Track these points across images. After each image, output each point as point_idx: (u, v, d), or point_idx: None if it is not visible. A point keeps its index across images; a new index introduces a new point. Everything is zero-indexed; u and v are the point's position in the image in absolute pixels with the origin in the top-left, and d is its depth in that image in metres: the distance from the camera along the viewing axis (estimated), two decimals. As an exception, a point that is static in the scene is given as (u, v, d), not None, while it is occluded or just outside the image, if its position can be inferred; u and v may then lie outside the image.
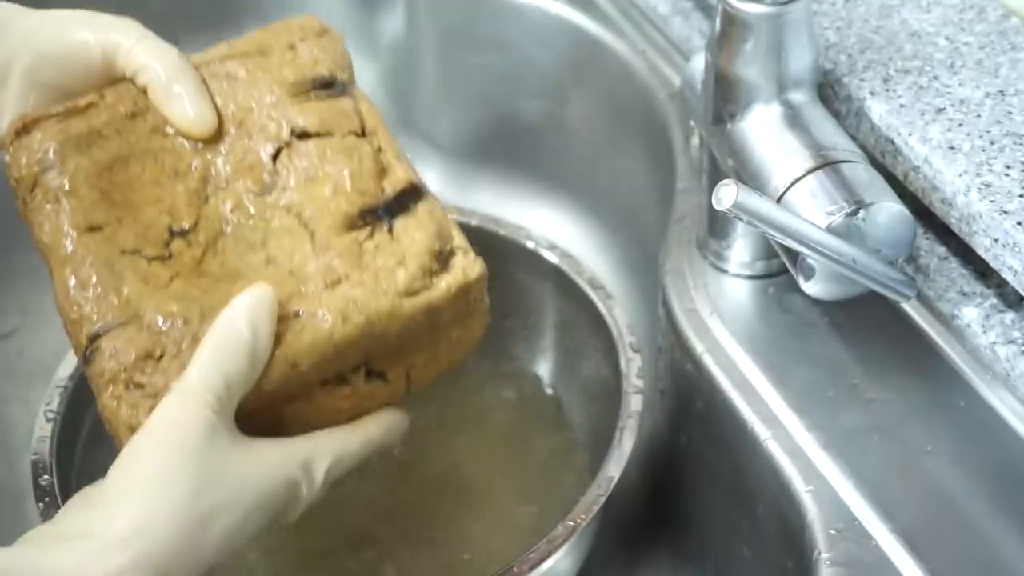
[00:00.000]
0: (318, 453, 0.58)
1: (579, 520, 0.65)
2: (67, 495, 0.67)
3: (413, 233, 0.60)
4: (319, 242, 0.59)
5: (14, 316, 0.93)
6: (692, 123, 0.78)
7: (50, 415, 0.71)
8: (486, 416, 0.83)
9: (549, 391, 0.84)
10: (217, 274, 0.59)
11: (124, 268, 0.58)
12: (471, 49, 0.99)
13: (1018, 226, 0.57)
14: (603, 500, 0.65)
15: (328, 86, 0.63)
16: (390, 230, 0.60)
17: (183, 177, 0.61)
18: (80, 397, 0.72)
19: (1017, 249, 0.57)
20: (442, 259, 0.60)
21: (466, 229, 0.81)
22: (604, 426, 0.73)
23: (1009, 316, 0.61)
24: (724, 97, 0.65)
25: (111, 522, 0.51)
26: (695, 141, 0.79)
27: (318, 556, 0.75)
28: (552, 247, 0.80)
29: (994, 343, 0.60)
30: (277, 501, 0.56)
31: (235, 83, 0.63)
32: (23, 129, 0.60)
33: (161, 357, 0.56)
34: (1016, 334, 0.60)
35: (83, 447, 0.72)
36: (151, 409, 0.54)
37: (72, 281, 0.58)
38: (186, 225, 0.60)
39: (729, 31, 0.63)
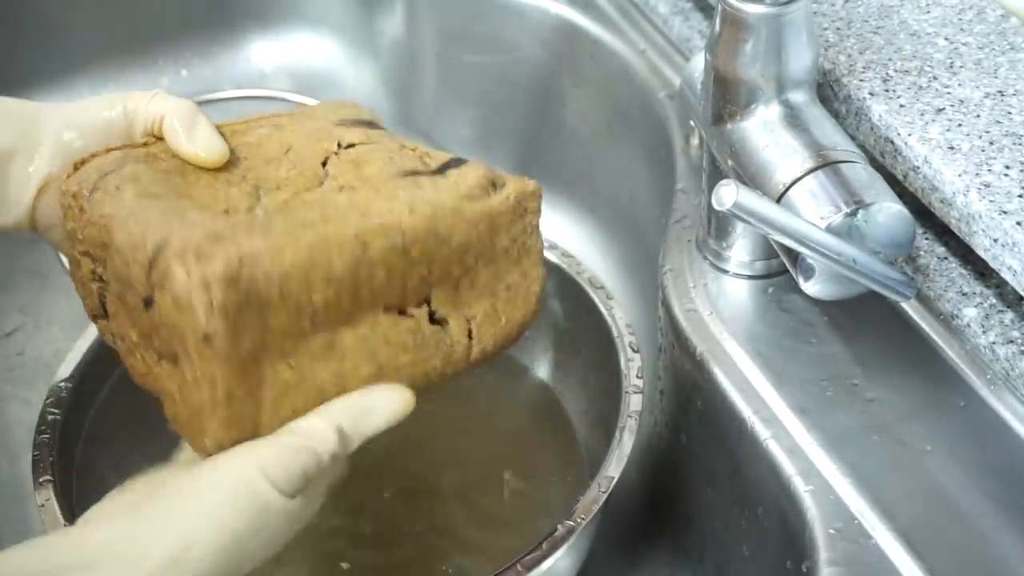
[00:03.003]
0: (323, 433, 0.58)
1: (579, 520, 0.65)
2: (67, 495, 0.68)
3: (467, 171, 0.62)
4: (379, 187, 0.60)
5: (14, 316, 0.93)
6: (692, 123, 0.78)
7: (50, 415, 0.71)
8: (485, 416, 0.83)
9: (549, 391, 0.84)
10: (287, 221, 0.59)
11: (188, 211, 0.57)
12: (471, 49, 0.99)
13: (1017, 226, 0.58)
14: (603, 500, 0.65)
15: (368, 125, 0.66)
16: (444, 176, 0.61)
17: (237, 186, 0.61)
18: (80, 397, 0.72)
19: (1016, 249, 0.57)
20: (496, 185, 0.62)
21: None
22: (604, 426, 0.73)
23: (1008, 316, 0.61)
24: (724, 97, 0.65)
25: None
26: (695, 141, 0.79)
27: (317, 555, 0.75)
28: (552, 247, 0.80)
29: (993, 343, 0.60)
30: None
31: (281, 128, 0.65)
32: (80, 163, 0.62)
33: (232, 235, 0.55)
34: (1015, 334, 0.60)
35: (83, 447, 0.72)
36: (224, 263, 0.54)
37: (135, 221, 0.57)
38: (243, 207, 0.59)
39: (729, 31, 0.63)
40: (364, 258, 0.57)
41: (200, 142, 0.62)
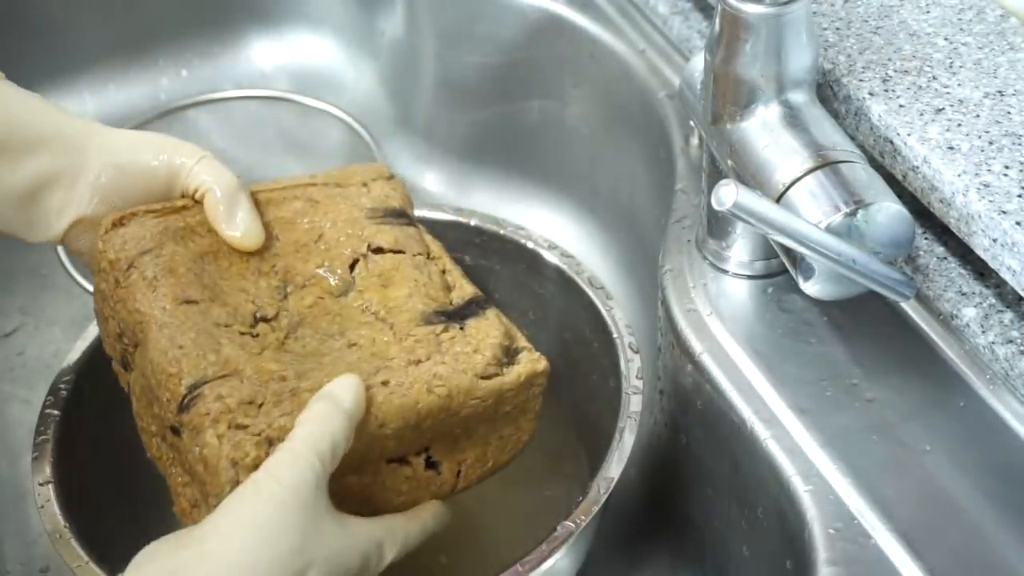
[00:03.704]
0: (390, 536, 0.61)
1: (579, 520, 0.65)
2: (67, 495, 0.68)
3: (485, 330, 0.65)
4: (399, 331, 0.64)
5: (14, 316, 0.93)
6: (692, 123, 0.78)
7: (50, 415, 0.71)
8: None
9: (549, 391, 0.84)
10: (301, 353, 0.63)
11: (220, 335, 0.61)
12: (471, 49, 0.99)
13: (1017, 226, 0.58)
14: (603, 500, 0.66)
15: (398, 216, 0.69)
16: (462, 328, 0.65)
17: (266, 275, 0.65)
18: (80, 397, 0.72)
19: (1016, 249, 0.57)
20: (510, 354, 0.65)
21: (466, 229, 0.82)
22: (604, 426, 0.73)
23: (1008, 316, 0.61)
24: (723, 97, 0.65)
25: (211, 562, 0.52)
26: (695, 141, 0.80)
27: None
28: (552, 247, 0.80)
29: (993, 343, 0.60)
30: (351, 572, 0.58)
31: (316, 205, 0.68)
32: (119, 221, 0.64)
33: (263, 404, 0.59)
34: (1015, 334, 0.60)
35: (83, 447, 0.72)
36: (255, 446, 0.57)
37: (171, 340, 0.60)
38: (269, 314, 0.63)
39: (728, 31, 0.63)
40: (379, 434, 0.60)
41: (240, 226, 0.65)
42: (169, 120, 1.08)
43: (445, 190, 1.03)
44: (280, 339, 0.63)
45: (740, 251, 0.71)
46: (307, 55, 1.13)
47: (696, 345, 0.68)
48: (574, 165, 0.96)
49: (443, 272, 0.68)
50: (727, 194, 0.56)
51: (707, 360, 0.68)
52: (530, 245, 0.81)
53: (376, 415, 0.60)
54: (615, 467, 0.67)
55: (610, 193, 0.94)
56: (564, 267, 0.79)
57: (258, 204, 0.67)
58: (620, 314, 0.75)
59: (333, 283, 0.66)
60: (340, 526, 0.57)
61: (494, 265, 0.82)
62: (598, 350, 0.77)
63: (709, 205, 0.70)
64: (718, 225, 0.71)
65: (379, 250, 0.67)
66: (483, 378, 0.63)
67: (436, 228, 0.81)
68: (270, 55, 1.14)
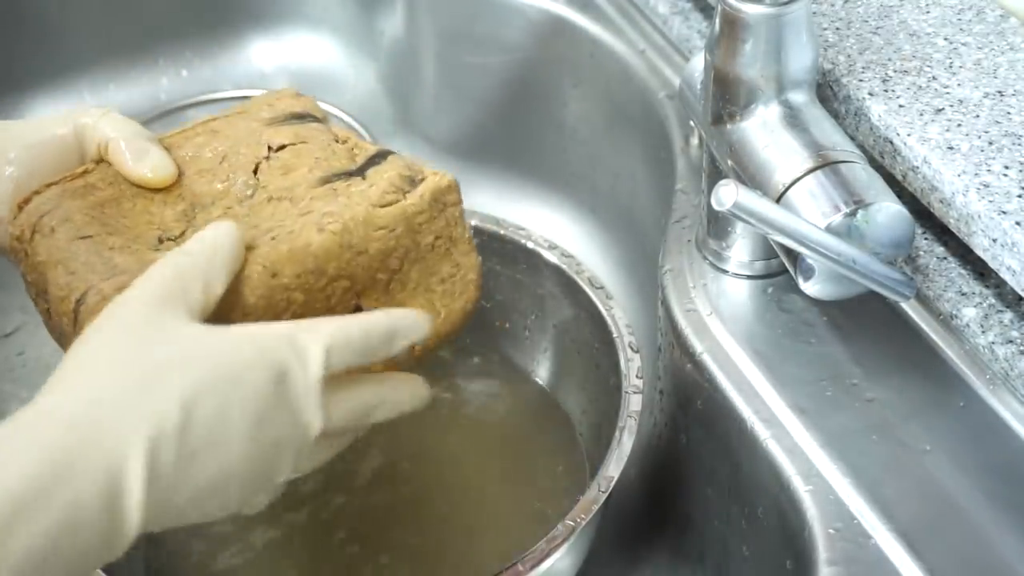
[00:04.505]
0: (309, 333, 0.55)
1: (579, 520, 0.65)
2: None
3: (384, 170, 0.62)
4: (296, 198, 0.61)
5: (15, 316, 0.93)
6: (692, 123, 0.78)
7: (51, 415, 0.71)
8: (485, 416, 0.83)
9: (549, 391, 0.84)
10: None
11: (115, 254, 0.59)
12: (471, 49, 0.99)
13: (1017, 226, 0.58)
14: (603, 500, 0.66)
15: (302, 118, 0.66)
16: (363, 177, 0.62)
17: (172, 205, 0.63)
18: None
19: (1016, 249, 0.57)
20: (413, 182, 0.61)
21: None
22: (604, 426, 0.73)
23: (1008, 316, 0.61)
24: (723, 97, 0.65)
25: (45, 412, 0.50)
26: (695, 141, 0.80)
27: (315, 555, 0.75)
28: (552, 247, 0.80)
29: (993, 343, 0.60)
30: (261, 384, 0.53)
31: (216, 134, 0.65)
32: (24, 202, 0.62)
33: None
34: (1014, 334, 0.60)
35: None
36: None
37: (64, 269, 0.58)
38: (175, 233, 0.61)
39: (728, 31, 0.63)
40: (277, 285, 0.58)
41: (147, 164, 0.63)
42: (169, 120, 1.08)
43: (445, 190, 1.03)
44: None
45: (740, 251, 0.71)
46: (307, 55, 1.13)
47: (696, 345, 0.68)
48: (574, 165, 0.96)
49: (352, 148, 0.64)
50: (727, 194, 0.56)
51: (707, 360, 0.68)
52: (530, 245, 0.81)
53: (265, 265, 0.57)
54: (615, 466, 0.67)
55: (610, 193, 0.94)
56: (564, 267, 0.79)
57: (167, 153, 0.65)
58: (620, 314, 0.75)
59: (238, 191, 0.63)
60: (216, 332, 0.54)
61: (494, 265, 0.82)
62: (598, 350, 0.77)
63: (709, 205, 0.70)
64: (718, 225, 0.71)
65: (281, 147, 0.64)
66: (381, 206, 0.60)
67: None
68: (270, 55, 1.14)
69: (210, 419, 0.51)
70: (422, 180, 0.62)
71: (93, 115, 0.64)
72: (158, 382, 0.51)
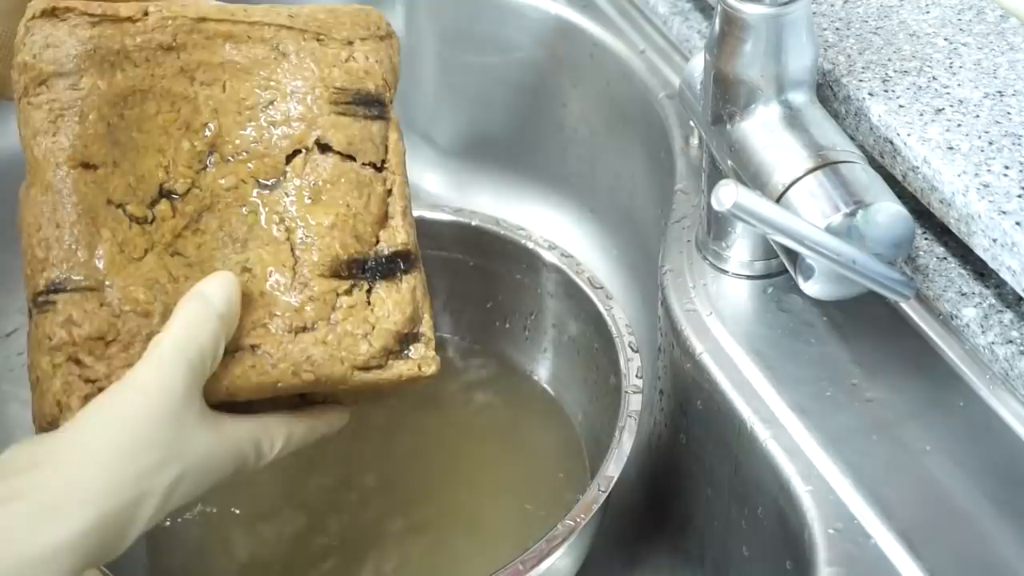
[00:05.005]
0: (267, 435, 0.59)
1: (579, 520, 0.65)
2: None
3: (390, 308, 0.60)
4: (299, 275, 0.59)
5: (14, 316, 0.93)
6: (692, 123, 0.78)
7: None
8: (485, 416, 0.83)
9: (549, 391, 0.84)
10: (191, 259, 0.58)
11: (104, 223, 0.56)
12: (471, 49, 0.99)
13: (1017, 226, 0.58)
14: (603, 500, 0.66)
15: (368, 104, 0.61)
16: (369, 293, 0.60)
17: (193, 134, 0.59)
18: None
19: (1016, 249, 0.57)
20: (405, 341, 0.60)
21: (466, 229, 0.82)
22: (604, 426, 0.73)
23: (1008, 316, 0.61)
24: (723, 97, 0.65)
25: (72, 481, 0.51)
26: (695, 141, 0.80)
27: (313, 555, 0.75)
28: (552, 247, 0.80)
29: (993, 343, 0.60)
30: (225, 473, 0.57)
31: (283, 60, 0.60)
32: (51, 12, 0.56)
33: (111, 343, 0.55)
34: (1014, 334, 0.60)
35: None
36: (85, 397, 0.54)
37: (52, 212, 0.56)
38: (179, 188, 0.58)
39: (728, 31, 0.63)
40: (228, 400, 0.57)
41: None
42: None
43: (445, 190, 1.03)
44: (177, 230, 0.58)
45: (740, 251, 0.71)
46: (307, 55, 1.13)
47: (696, 345, 0.68)
48: (574, 165, 0.96)
49: (388, 193, 0.61)
50: (727, 194, 0.56)
51: (707, 360, 0.68)
52: (530, 245, 0.81)
53: (228, 387, 0.57)
54: (615, 466, 0.67)
55: (610, 193, 0.94)
56: (564, 267, 0.79)
57: (216, 36, 0.59)
58: (620, 314, 0.75)
59: (262, 169, 0.59)
60: (212, 430, 0.56)
61: (494, 265, 0.82)
62: (598, 350, 0.77)
63: (709, 205, 0.70)
64: (718, 225, 0.71)
65: (326, 148, 0.60)
66: (362, 370, 0.59)
67: (436, 228, 0.82)
68: (270, 55, 1.14)
69: (177, 500, 0.54)
70: (414, 339, 0.60)
71: None
72: (172, 483, 0.53)
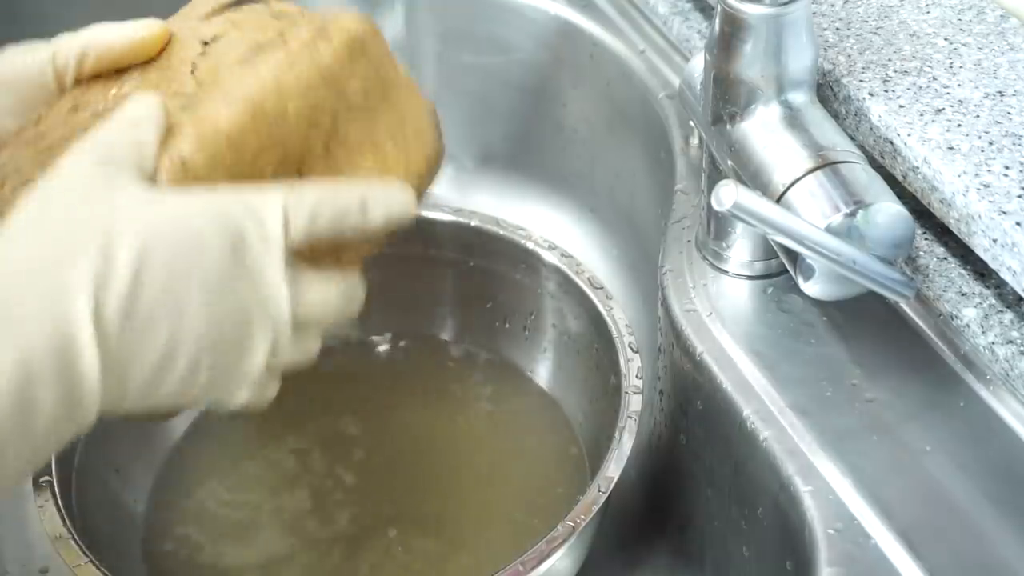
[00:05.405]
0: (261, 195, 0.51)
1: (579, 520, 0.65)
2: (67, 495, 0.68)
3: (301, 34, 0.57)
4: (223, 82, 0.56)
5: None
6: (692, 123, 0.78)
7: (50, 415, 0.70)
8: (485, 416, 0.83)
9: (548, 391, 0.84)
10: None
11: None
12: (471, 49, 0.99)
13: (1017, 226, 0.58)
14: (603, 500, 0.66)
15: (239, 4, 0.60)
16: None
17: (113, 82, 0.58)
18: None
19: (1016, 249, 0.57)
20: (325, 35, 0.57)
21: (466, 229, 0.82)
22: (603, 426, 0.73)
23: (1008, 316, 0.61)
24: (723, 98, 0.65)
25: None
26: (694, 141, 0.79)
27: (311, 556, 0.75)
28: (552, 247, 0.80)
29: (993, 343, 0.60)
30: (216, 248, 0.49)
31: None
32: None
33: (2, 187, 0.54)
34: (1015, 334, 0.60)
35: (83, 447, 0.72)
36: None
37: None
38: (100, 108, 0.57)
39: (728, 31, 0.63)
40: (192, 176, 0.52)
41: (133, 29, 0.57)
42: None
43: (445, 190, 1.03)
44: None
45: (740, 251, 0.71)
46: (307, 55, 1.13)
47: (696, 345, 0.68)
48: (574, 165, 0.96)
49: (290, 22, 0.59)
50: (727, 194, 0.56)
51: (707, 360, 0.68)
52: (530, 245, 0.81)
53: (172, 158, 0.52)
54: (615, 467, 0.67)
55: (610, 193, 0.94)
56: (564, 267, 0.79)
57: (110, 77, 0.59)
58: (620, 314, 0.75)
59: (177, 97, 0.56)
60: (164, 197, 0.50)
61: (494, 265, 0.82)
62: (598, 350, 0.77)
63: (709, 205, 0.70)
64: (718, 225, 0.71)
65: (214, 38, 0.59)
66: (292, 70, 0.55)
67: (436, 228, 0.82)
68: (270, 55, 1.14)
69: (161, 281, 0.48)
70: (330, 35, 0.56)
71: (65, 35, 0.59)
72: (104, 240, 0.47)
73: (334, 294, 0.54)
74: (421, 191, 0.59)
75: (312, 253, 0.53)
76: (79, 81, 0.58)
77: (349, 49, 0.57)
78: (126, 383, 0.48)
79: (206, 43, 0.59)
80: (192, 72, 0.58)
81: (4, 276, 0.47)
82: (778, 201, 0.61)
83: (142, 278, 0.47)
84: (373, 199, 0.54)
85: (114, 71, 0.59)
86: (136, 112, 0.52)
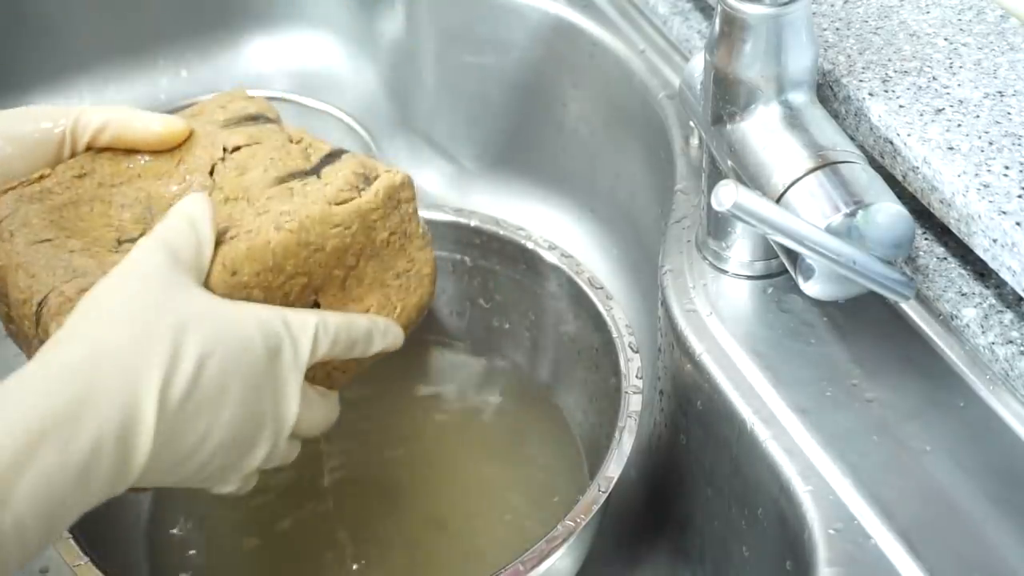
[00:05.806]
0: (299, 317, 0.58)
1: (579, 520, 0.65)
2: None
3: (339, 169, 0.63)
4: (253, 198, 0.62)
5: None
6: (692, 123, 0.78)
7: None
8: (485, 416, 0.83)
9: (549, 391, 0.84)
10: None
11: (75, 256, 0.59)
12: (471, 49, 0.99)
13: (1017, 226, 0.58)
14: (603, 500, 0.66)
15: (256, 119, 0.67)
16: (318, 176, 0.63)
17: (129, 207, 0.63)
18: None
19: (1016, 249, 0.57)
20: (367, 180, 0.63)
21: (466, 229, 0.82)
22: (603, 426, 0.73)
23: (1008, 316, 0.61)
24: (723, 98, 0.65)
25: (62, 352, 0.52)
26: (694, 141, 0.80)
27: (308, 555, 0.75)
28: (552, 247, 0.80)
29: (993, 343, 0.60)
30: (260, 355, 0.56)
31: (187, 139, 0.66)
32: None
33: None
34: (1015, 334, 0.60)
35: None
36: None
37: (25, 273, 0.59)
38: (134, 235, 0.62)
39: (728, 31, 0.63)
40: (236, 283, 0.59)
41: (157, 121, 0.63)
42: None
43: (445, 190, 1.03)
44: None
45: (740, 251, 0.71)
46: (307, 55, 1.13)
47: (696, 345, 0.68)
48: (574, 165, 0.96)
49: (306, 148, 0.65)
50: (727, 194, 0.56)
51: (707, 360, 0.68)
52: (530, 245, 0.81)
53: (225, 264, 0.58)
54: (615, 466, 0.67)
55: (610, 193, 0.94)
56: (564, 267, 0.79)
57: (118, 155, 0.65)
58: (620, 314, 0.75)
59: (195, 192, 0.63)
60: (222, 302, 0.56)
61: (494, 265, 0.82)
62: (598, 350, 0.77)
63: (709, 205, 0.70)
64: (718, 225, 0.71)
65: (236, 148, 0.65)
66: (337, 204, 0.61)
67: (436, 228, 0.82)
68: (270, 55, 1.14)
69: (216, 378, 0.54)
70: (376, 177, 0.63)
71: (77, 108, 0.64)
72: (176, 333, 0.53)
73: (323, 413, 0.62)
74: (407, 329, 0.67)
75: (311, 371, 0.60)
76: (87, 149, 0.64)
77: (388, 199, 0.63)
78: (160, 462, 0.53)
79: (225, 149, 0.64)
80: (211, 173, 0.64)
81: (85, 363, 0.51)
82: (778, 201, 0.61)
83: (202, 369, 0.53)
84: (377, 333, 0.63)
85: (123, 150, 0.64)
86: (193, 211, 0.58)
